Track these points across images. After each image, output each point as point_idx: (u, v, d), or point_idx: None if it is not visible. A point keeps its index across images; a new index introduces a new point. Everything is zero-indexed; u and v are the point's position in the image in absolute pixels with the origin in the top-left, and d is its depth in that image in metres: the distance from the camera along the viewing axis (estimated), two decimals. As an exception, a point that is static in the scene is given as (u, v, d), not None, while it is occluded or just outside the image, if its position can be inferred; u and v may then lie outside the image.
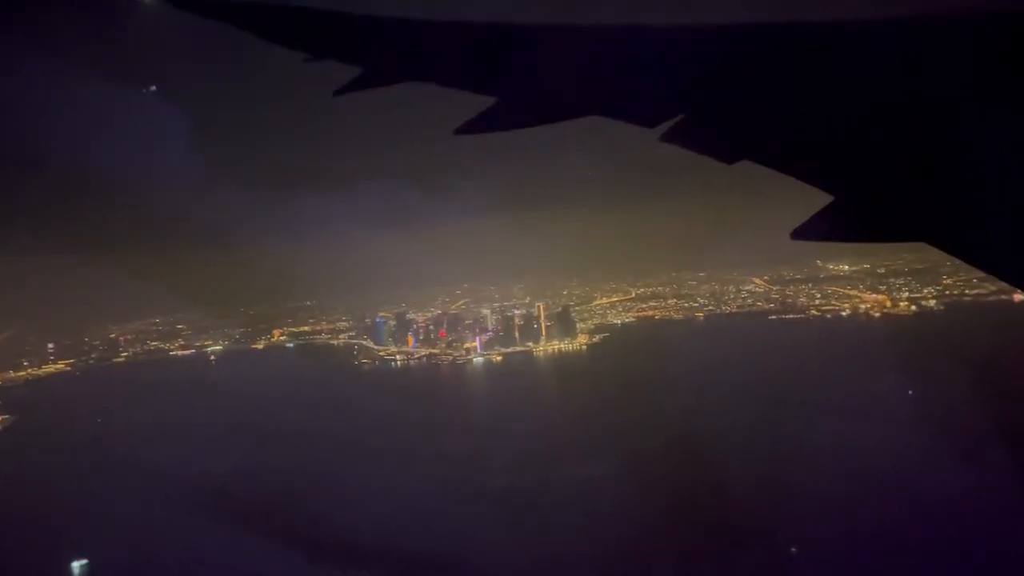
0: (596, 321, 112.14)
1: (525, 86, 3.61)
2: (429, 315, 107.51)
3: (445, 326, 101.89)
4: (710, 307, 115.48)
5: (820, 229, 3.48)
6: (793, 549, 38.69)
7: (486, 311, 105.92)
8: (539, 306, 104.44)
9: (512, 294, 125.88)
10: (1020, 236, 3.06)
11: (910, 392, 64.63)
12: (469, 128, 3.62)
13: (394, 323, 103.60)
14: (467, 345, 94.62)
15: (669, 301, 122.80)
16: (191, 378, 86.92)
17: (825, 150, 3.39)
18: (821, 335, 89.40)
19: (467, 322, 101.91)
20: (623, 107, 3.53)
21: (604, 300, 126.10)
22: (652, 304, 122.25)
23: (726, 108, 3.43)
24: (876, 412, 58.31)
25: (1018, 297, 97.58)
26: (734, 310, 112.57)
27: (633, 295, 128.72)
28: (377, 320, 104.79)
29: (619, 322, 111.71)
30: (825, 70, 3.48)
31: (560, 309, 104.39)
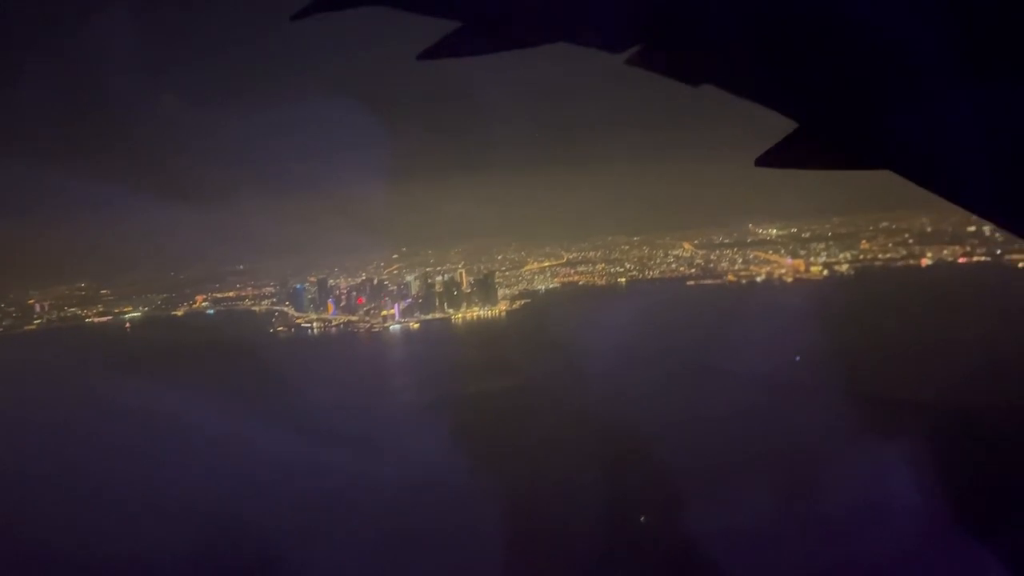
0: (522, 287, 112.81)
1: (488, 9, 3.45)
2: (353, 281, 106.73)
3: (368, 292, 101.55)
4: (634, 272, 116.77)
5: (783, 156, 3.48)
6: (642, 518, 39.79)
7: (410, 277, 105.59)
8: (461, 272, 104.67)
9: (448, 259, 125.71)
10: (983, 164, 3.06)
11: (796, 358, 66.54)
12: (430, 54, 3.44)
13: (315, 289, 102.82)
14: (385, 312, 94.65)
15: (598, 266, 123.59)
16: (100, 345, 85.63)
17: (790, 74, 3.32)
18: (731, 299, 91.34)
19: (390, 288, 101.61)
20: (588, 32, 3.40)
21: (536, 265, 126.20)
22: (581, 269, 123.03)
23: (691, 29, 3.32)
24: (756, 378, 59.75)
25: (925, 262, 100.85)
26: (656, 275, 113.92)
27: (565, 260, 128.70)
28: (297, 286, 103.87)
29: (543, 288, 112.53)
30: None
31: (483, 276, 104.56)
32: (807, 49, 3.23)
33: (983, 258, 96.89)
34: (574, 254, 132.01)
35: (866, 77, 3.18)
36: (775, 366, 63.50)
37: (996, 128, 3.01)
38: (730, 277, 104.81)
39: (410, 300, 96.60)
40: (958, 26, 2.97)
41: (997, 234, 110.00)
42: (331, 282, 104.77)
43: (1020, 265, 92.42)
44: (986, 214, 3.23)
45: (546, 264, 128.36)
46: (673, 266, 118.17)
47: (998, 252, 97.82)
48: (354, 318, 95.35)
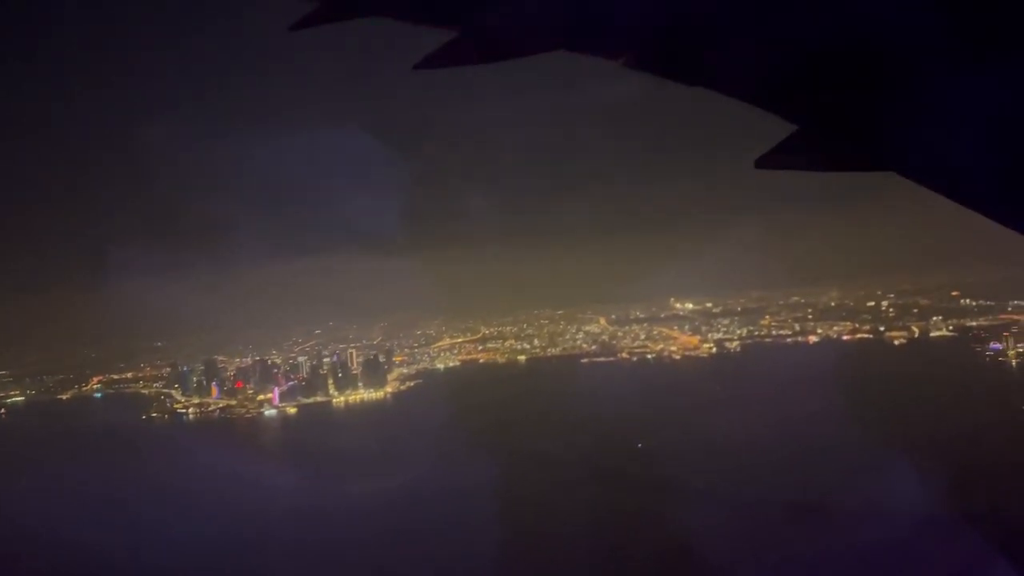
0: (422, 365, 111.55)
1: (486, 18, 3.41)
2: (243, 362, 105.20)
3: (258, 373, 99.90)
4: (536, 350, 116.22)
5: (783, 158, 3.41)
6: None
7: (302, 358, 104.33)
8: (351, 352, 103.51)
9: (371, 334, 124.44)
10: (988, 162, 3.01)
11: (639, 445, 65.92)
12: (426, 64, 3.38)
13: (202, 371, 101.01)
14: (262, 396, 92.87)
15: (507, 342, 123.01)
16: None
17: (790, 74, 3.23)
18: (610, 378, 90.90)
19: (276, 371, 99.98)
20: (586, 40, 3.38)
21: (448, 341, 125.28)
22: (491, 346, 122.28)
23: (688, 32, 3.24)
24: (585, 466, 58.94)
25: (812, 338, 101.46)
26: (557, 352, 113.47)
27: (481, 335, 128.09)
28: (184, 368, 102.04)
29: (442, 367, 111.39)
30: None
31: (372, 356, 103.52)
32: (806, 49, 3.17)
33: (867, 335, 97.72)
34: (493, 329, 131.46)
35: (866, 76, 3.13)
36: (610, 453, 63.00)
37: (1001, 125, 2.98)
38: (624, 354, 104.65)
39: (293, 382, 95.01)
40: (960, 20, 2.92)
41: (891, 310, 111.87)
42: (220, 363, 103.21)
43: (896, 342, 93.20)
44: (991, 213, 3.17)
45: (459, 340, 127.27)
46: (578, 342, 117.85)
47: (881, 329, 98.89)
48: (233, 402, 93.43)
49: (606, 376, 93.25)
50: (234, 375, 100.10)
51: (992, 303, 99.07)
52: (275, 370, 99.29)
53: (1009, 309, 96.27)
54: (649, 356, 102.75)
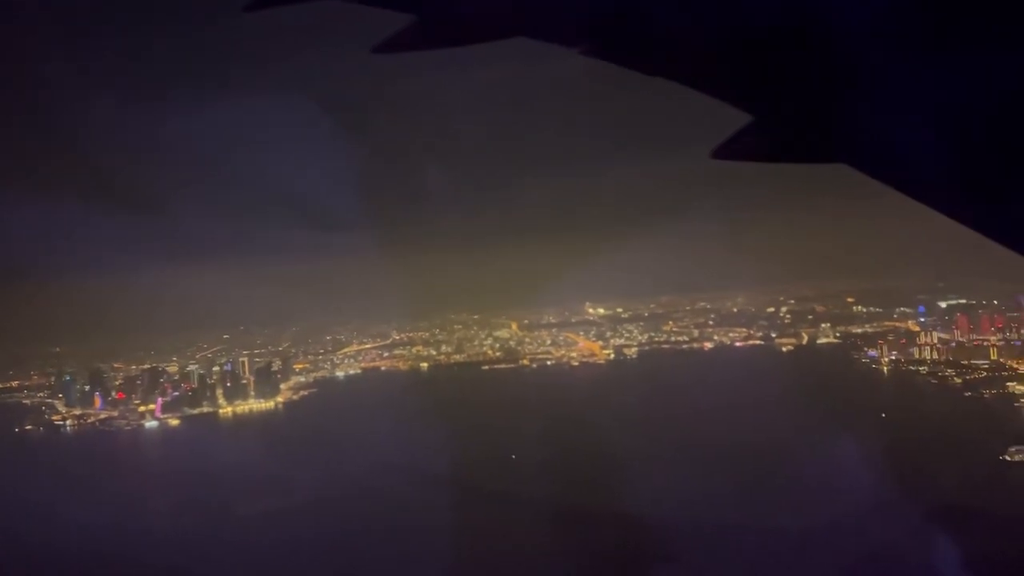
0: (322, 373, 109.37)
1: (446, 2, 3.44)
2: (132, 371, 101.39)
3: (145, 384, 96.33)
4: (441, 356, 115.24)
5: (738, 149, 3.44)
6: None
7: (193, 366, 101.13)
8: (243, 360, 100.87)
9: (280, 340, 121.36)
10: (939, 156, 3.04)
11: (512, 456, 65.70)
12: (385, 47, 3.38)
13: (86, 380, 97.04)
14: (143, 408, 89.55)
15: (414, 349, 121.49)
16: None
17: (746, 66, 3.28)
18: (505, 385, 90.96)
19: (163, 380, 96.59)
20: (546, 27, 3.39)
21: (355, 347, 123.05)
22: (397, 352, 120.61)
23: (647, 21, 3.26)
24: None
25: (707, 345, 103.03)
26: (462, 359, 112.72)
27: (390, 341, 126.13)
28: (67, 377, 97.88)
29: (342, 374, 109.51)
30: None
31: (265, 364, 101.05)
32: (761, 40, 3.18)
33: (758, 342, 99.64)
34: (404, 335, 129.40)
35: (818, 66, 3.14)
36: (481, 465, 62.66)
37: (954, 114, 3.00)
38: (524, 361, 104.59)
39: (178, 392, 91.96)
40: (914, 6, 2.94)
41: (788, 316, 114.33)
42: (106, 372, 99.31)
43: (784, 349, 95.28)
44: (938, 205, 3.15)
45: (367, 346, 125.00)
46: (485, 348, 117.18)
47: (772, 335, 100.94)
48: (115, 414, 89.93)
49: (501, 383, 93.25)
50: (120, 384, 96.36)
51: (880, 310, 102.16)
52: (162, 379, 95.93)
53: (895, 316, 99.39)
54: (549, 363, 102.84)
